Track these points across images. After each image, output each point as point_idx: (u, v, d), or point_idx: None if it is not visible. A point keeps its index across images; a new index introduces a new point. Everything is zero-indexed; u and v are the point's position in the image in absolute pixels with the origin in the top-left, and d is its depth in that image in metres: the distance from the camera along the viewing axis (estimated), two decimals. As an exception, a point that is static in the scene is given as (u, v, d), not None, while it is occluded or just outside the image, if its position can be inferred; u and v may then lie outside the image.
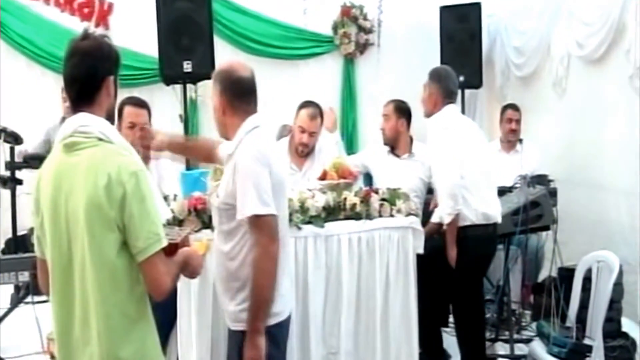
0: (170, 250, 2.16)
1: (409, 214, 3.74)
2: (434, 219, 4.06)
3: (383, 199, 3.73)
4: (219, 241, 2.76)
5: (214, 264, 2.85)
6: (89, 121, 2.05)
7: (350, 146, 7.03)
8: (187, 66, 5.72)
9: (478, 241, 3.94)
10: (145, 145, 3.43)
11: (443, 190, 3.91)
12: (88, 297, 2.02)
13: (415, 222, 3.73)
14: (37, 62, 6.48)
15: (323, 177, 3.82)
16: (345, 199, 3.61)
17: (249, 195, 2.55)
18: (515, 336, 4.65)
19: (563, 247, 4.76)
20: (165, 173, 4.11)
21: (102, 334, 2.02)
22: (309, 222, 3.45)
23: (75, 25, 6.58)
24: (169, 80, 5.91)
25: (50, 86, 6.25)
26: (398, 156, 4.65)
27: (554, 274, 4.55)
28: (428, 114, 4.10)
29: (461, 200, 3.85)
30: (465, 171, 3.87)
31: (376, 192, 3.79)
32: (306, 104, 4.45)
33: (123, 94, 6.53)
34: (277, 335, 2.70)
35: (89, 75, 2.07)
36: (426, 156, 4.44)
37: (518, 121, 5.44)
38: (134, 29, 6.52)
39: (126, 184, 1.97)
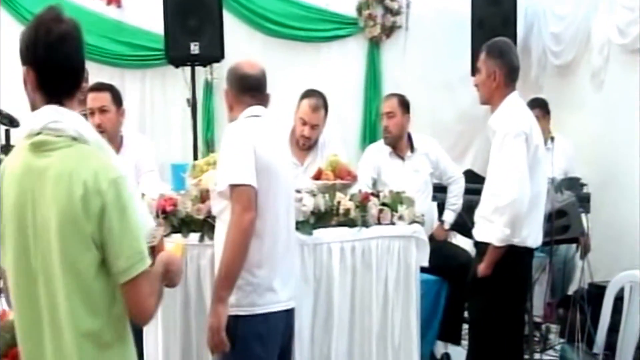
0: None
1: (412, 222, 3.34)
2: (483, 237, 3.36)
3: (383, 204, 3.32)
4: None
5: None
6: (60, 116, 1.79)
7: (373, 136, 6.63)
8: (195, 48, 5.40)
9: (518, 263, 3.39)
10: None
11: (502, 215, 3.21)
12: (61, 324, 1.79)
13: (420, 231, 3.35)
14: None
15: (318, 177, 3.43)
16: (338, 202, 3.21)
17: (226, 166, 2.60)
18: (541, 356, 4.22)
19: (595, 258, 4.31)
20: (145, 163, 3.75)
21: None
22: (295, 229, 3.04)
23: (86, 3, 6.32)
24: (175, 62, 5.59)
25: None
26: (402, 157, 4.29)
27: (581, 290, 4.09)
28: (486, 100, 3.44)
29: (518, 232, 3.25)
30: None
31: (377, 195, 3.38)
32: (308, 94, 4.10)
33: (135, 75, 6.53)
34: (262, 327, 2.63)
35: (79, 64, 1.85)
36: (430, 147, 4.24)
37: (543, 118, 4.85)
38: (147, 8, 6.19)
39: (105, 193, 1.74)
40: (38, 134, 1.79)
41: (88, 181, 1.74)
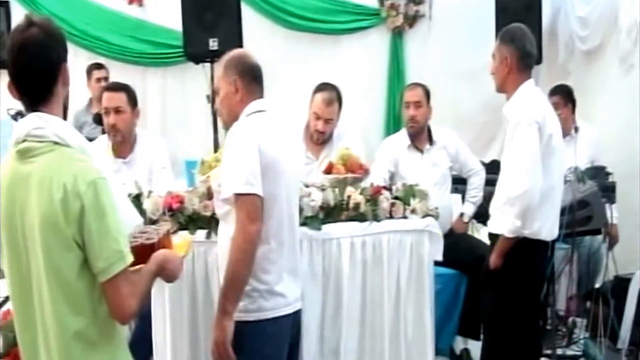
0: (146, 252, 2.00)
1: (426, 215, 3.24)
2: (496, 229, 3.31)
3: (396, 197, 3.24)
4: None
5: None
6: (43, 122, 1.85)
7: (398, 128, 6.46)
8: (213, 44, 5.34)
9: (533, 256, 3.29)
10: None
11: (513, 206, 3.14)
12: (48, 325, 1.86)
13: (433, 224, 3.23)
14: (69, 41, 6.23)
15: (329, 170, 3.36)
16: (348, 197, 3.13)
17: (231, 173, 2.47)
18: (564, 352, 4.07)
19: (623, 250, 4.15)
20: (157, 161, 3.74)
21: None
22: (303, 224, 2.97)
23: (108, 3, 6.36)
24: (193, 59, 5.56)
25: (82, 66, 6.03)
26: (420, 150, 4.17)
27: (608, 283, 3.93)
28: (500, 86, 3.35)
29: (529, 223, 3.18)
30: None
31: (389, 189, 3.30)
32: (322, 87, 4.04)
33: (157, 73, 6.52)
34: (271, 332, 2.54)
35: (46, 66, 1.85)
36: (449, 140, 4.14)
37: (564, 105, 4.67)
38: (168, 6, 6.17)
39: (83, 195, 1.78)
40: (24, 141, 1.84)
41: (67, 184, 1.77)
